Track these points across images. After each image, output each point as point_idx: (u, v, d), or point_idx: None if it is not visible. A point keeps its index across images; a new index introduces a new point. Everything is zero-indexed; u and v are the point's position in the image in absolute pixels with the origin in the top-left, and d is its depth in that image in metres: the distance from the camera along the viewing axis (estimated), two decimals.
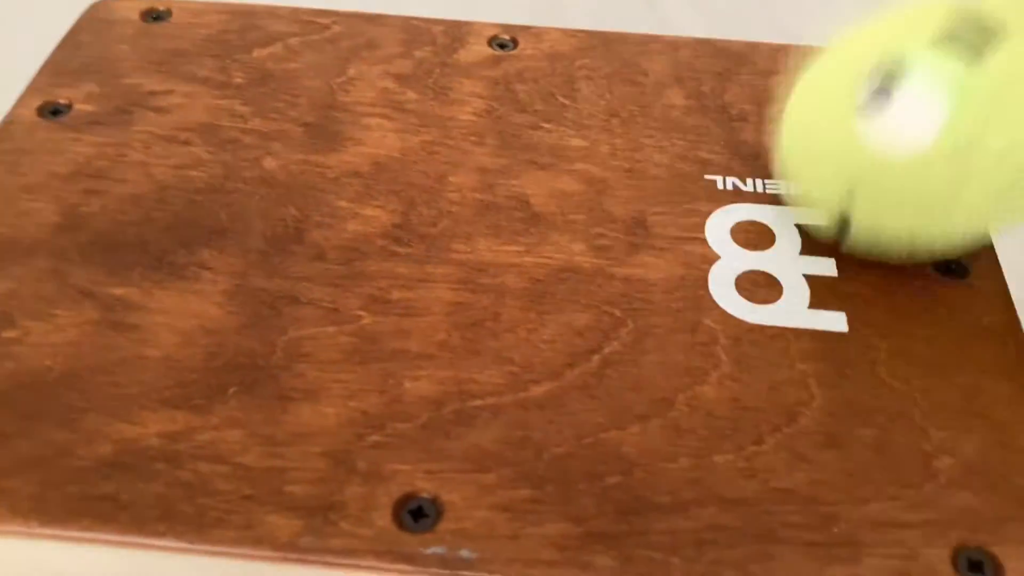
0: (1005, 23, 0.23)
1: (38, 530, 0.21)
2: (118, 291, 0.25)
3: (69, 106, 0.30)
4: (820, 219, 0.26)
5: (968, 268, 0.26)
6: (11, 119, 0.29)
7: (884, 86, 0.23)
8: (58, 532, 0.21)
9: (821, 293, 0.25)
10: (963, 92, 0.23)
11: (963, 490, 0.22)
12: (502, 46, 0.33)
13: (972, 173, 0.23)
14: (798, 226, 0.27)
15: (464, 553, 0.20)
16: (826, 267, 0.26)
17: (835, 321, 0.25)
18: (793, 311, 0.25)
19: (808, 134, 0.25)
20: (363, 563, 0.20)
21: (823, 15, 0.51)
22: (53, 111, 0.30)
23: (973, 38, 0.23)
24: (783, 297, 0.25)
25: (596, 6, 0.51)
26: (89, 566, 0.21)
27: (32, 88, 0.30)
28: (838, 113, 0.24)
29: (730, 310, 0.25)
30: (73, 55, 0.31)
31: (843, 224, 0.25)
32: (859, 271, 0.26)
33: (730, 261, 0.26)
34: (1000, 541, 0.21)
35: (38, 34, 0.44)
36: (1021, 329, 0.25)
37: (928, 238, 0.25)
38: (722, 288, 0.25)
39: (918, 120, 0.23)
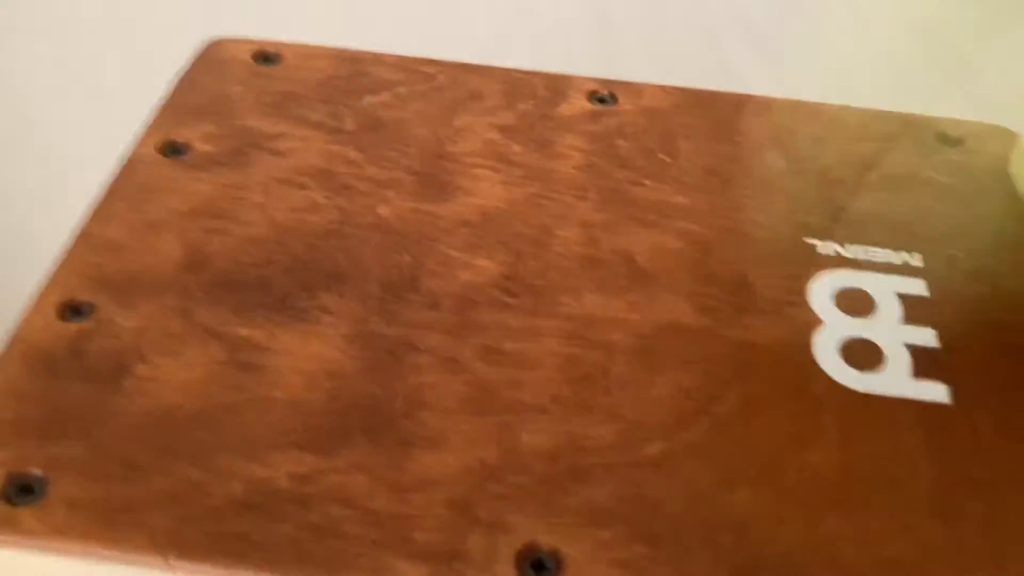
0: None
1: (175, 563, 0.22)
2: (243, 331, 0.26)
3: (188, 145, 0.31)
4: None
5: None
6: (133, 157, 0.31)
7: None
8: (195, 567, 0.22)
9: (924, 363, 0.26)
10: None
11: None
12: (602, 100, 0.34)
13: None
14: (898, 295, 0.28)
15: None
16: (927, 337, 0.27)
17: (938, 392, 0.25)
18: (897, 381, 0.26)
19: None
20: None
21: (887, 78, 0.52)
22: (173, 150, 0.31)
23: None
24: (886, 366, 0.26)
25: (660, 49, 0.52)
26: None
27: (151, 127, 0.32)
28: None
29: (835, 376, 0.26)
30: (190, 95, 0.33)
31: None
32: (962, 341, 0.26)
33: (833, 327, 0.27)
34: None
35: (141, 69, 0.46)
36: None
37: None
38: (826, 354, 0.26)
39: None
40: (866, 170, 0.31)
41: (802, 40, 0.54)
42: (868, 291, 0.28)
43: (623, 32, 0.53)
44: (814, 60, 0.54)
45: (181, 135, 0.31)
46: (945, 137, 0.33)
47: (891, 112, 0.34)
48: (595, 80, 0.35)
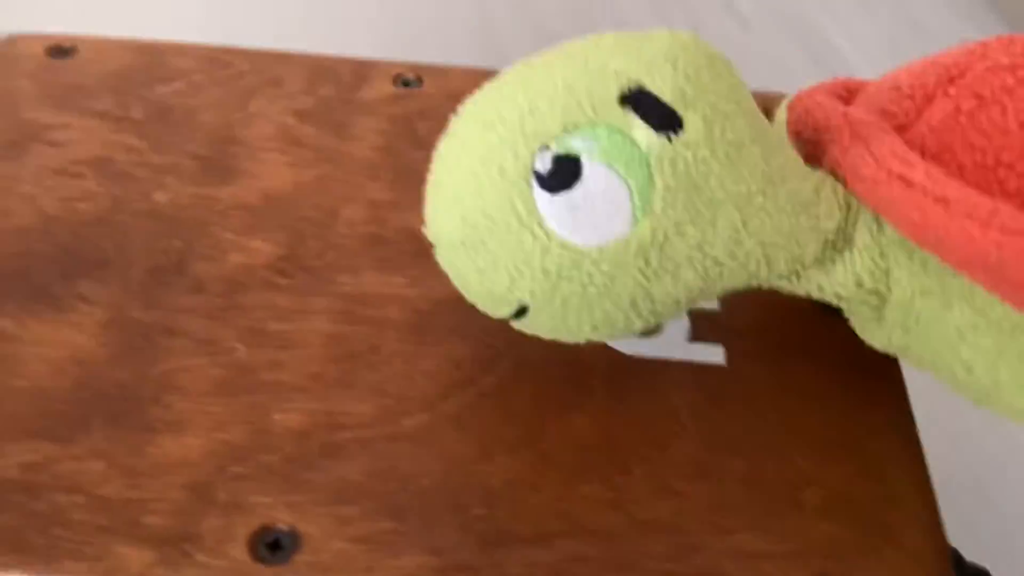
0: (683, 91, 0.20)
1: None
2: None
3: None
4: (489, 304, 0.22)
5: None
6: None
7: (561, 166, 0.20)
8: None
9: (702, 326, 0.26)
10: (657, 170, 0.20)
11: (827, 520, 0.22)
12: (407, 84, 0.33)
13: (666, 268, 0.21)
14: None
15: None
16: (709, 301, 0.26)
17: (713, 354, 0.25)
18: (672, 344, 0.25)
19: (474, 208, 0.21)
20: None
21: None
22: None
23: (656, 106, 0.20)
24: (664, 329, 0.25)
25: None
26: None
27: None
28: (507, 185, 0.20)
29: (611, 342, 0.25)
30: None
31: (519, 312, 0.22)
32: (741, 304, 0.26)
33: None
34: (860, 570, 0.21)
35: None
36: (898, 363, 0.25)
37: (612, 332, 0.22)
38: None
39: (606, 207, 0.20)
40: None
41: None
42: None
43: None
44: None
45: None
46: None
47: None
48: (403, 64, 0.34)
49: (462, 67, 0.34)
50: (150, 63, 0.33)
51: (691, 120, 0.20)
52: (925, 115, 0.23)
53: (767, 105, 0.32)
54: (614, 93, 0.20)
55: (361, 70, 0.33)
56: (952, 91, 0.23)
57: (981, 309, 0.21)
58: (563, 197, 0.20)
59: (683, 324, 0.25)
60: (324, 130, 0.31)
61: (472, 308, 0.25)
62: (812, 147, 0.23)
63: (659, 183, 0.20)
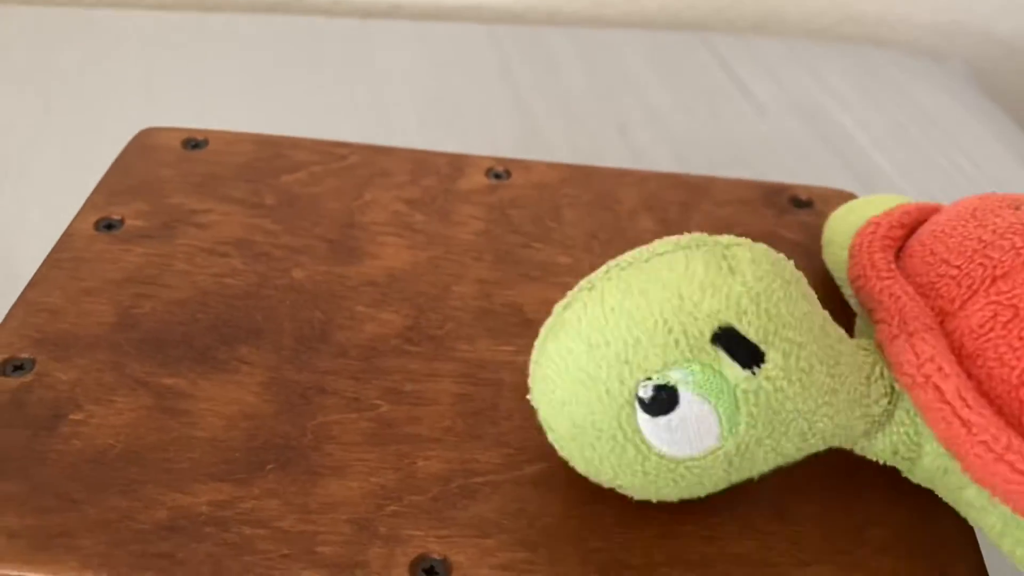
0: (766, 330, 0.23)
1: None
2: (169, 381, 0.29)
3: (122, 221, 0.34)
4: (596, 480, 0.26)
5: None
6: (71, 232, 0.34)
7: (660, 395, 0.23)
8: None
9: None
10: (743, 401, 0.23)
11: (888, 555, 0.26)
12: (497, 176, 0.38)
13: (745, 467, 0.25)
14: None
15: None
16: None
17: None
18: None
19: (582, 416, 0.24)
20: None
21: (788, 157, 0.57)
22: (107, 225, 0.34)
23: (743, 344, 0.23)
24: None
25: (572, 133, 0.57)
26: None
27: (88, 205, 0.35)
28: (614, 406, 0.24)
29: None
30: (123, 177, 0.36)
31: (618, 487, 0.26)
32: None
33: None
34: None
35: (84, 157, 0.49)
36: None
37: (709, 491, 0.26)
38: None
39: (698, 429, 0.24)
40: (726, 229, 0.35)
41: (699, 122, 0.60)
42: None
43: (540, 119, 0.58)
44: (708, 139, 0.59)
45: (116, 212, 0.35)
46: (797, 200, 0.37)
47: (751, 180, 0.38)
48: (492, 159, 0.39)
49: (544, 162, 0.39)
50: (273, 155, 0.38)
51: (772, 356, 0.23)
52: (968, 309, 0.25)
53: (793, 193, 0.37)
54: (707, 335, 0.23)
55: (456, 163, 0.38)
56: (993, 293, 0.25)
57: (991, 499, 0.24)
58: (662, 420, 0.23)
59: None
60: (431, 216, 0.36)
61: None
62: (866, 302, 0.28)
63: (743, 410, 0.23)
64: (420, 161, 0.38)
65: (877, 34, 0.78)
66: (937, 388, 0.24)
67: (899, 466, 0.27)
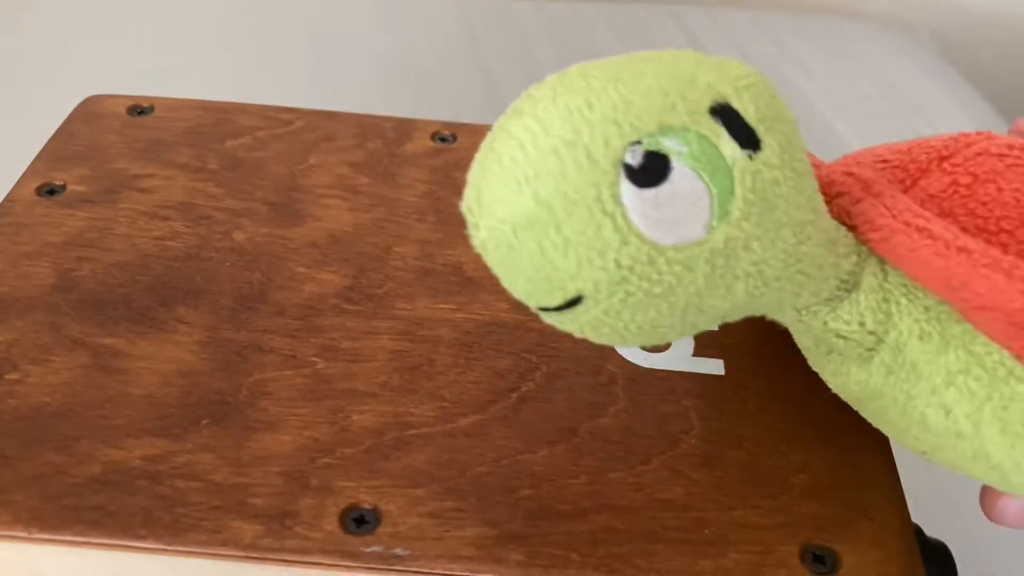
0: (764, 115, 0.21)
1: (37, 535, 0.24)
2: (106, 341, 0.29)
3: (64, 187, 0.34)
4: (539, 291, 0.22)
5: None
6: (12, 198, 0.34)
7: (652, 163, 0.20)
8: (54, 537, 0.24)
9: (703, 342, 0.30)
10: (739, 182, 0.21)
11: (812, 500, 0.26)
12: (443, 140, 0.38)
13: (725, 279, 0.22)
14: None
15: (398, 551, 0.25)
16: None
17: (715, 366, 0.30)
18: (680, 357, 0.30)
19: (553, 188, 0.21)
20: (313, 560, 0.24)
21: None
22: (49, 191, 0.34)
23: (742, 123, 0.21)
24: (672, 347, 0.30)
25: None
26: (79, 568, 0.25)
27: (30, 171, 0.35)
28: (595, 171, 0.20)
29: (627, 356, 0.30)
30: (67, 144, 0.36)
31: (571, 303, 0.22)
32: (737, 328, 0.31)
33: None
34: (839, 539, 0.25)
35: (30, 125, 0.49)
36: None
37: (648, 339, 0.23)
38: None
39: (687, 209, 0.21)
40: None
41: None
42: None
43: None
44: None
45: (58, 178, 0.35)
46: None
47: None
48: (439, 123, 0.39)
49: (490, 125, 0.39)
50: (218, 120, 0.38)
51: (769, 143, 0.21)
52: (921, 184, 0.25)
53: None
54: (706, 104, 0.21)
55: (403, 127, 0.38)
56: (947, 167, 0.25)
57: (977, 354, 0.23)
58: (650, 193, 0.20)
59: (688, 341, 0.30)
60: (375, 179, 0.36)
61: (509, 328, 0.30)
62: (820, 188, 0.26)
63: (739, 194, 0.21)
64: (366, 125, 0.38)
65: (847, 6, 0.78)
66: (922, 229, 0.22)
67: (853, 351, 0.25)
